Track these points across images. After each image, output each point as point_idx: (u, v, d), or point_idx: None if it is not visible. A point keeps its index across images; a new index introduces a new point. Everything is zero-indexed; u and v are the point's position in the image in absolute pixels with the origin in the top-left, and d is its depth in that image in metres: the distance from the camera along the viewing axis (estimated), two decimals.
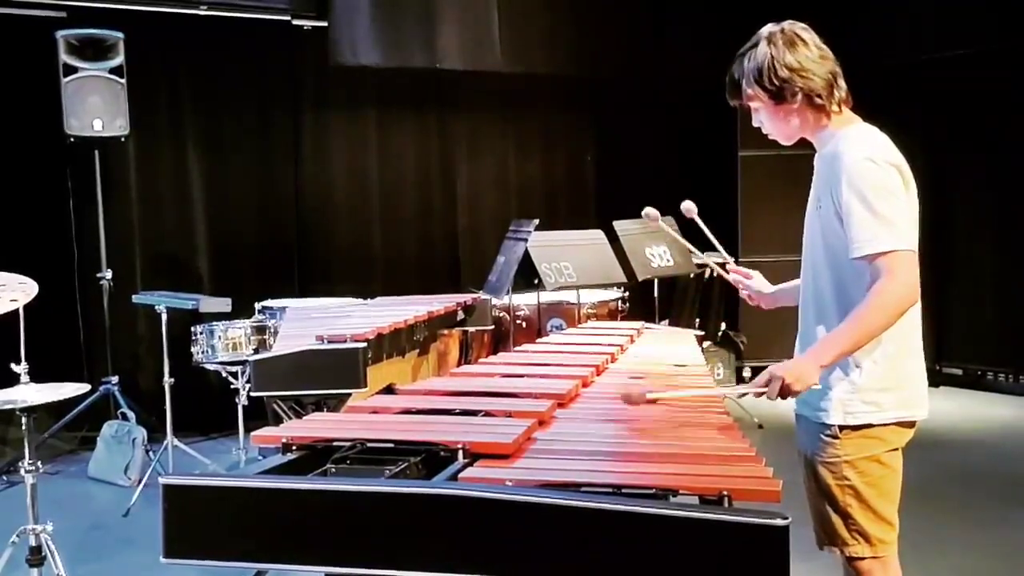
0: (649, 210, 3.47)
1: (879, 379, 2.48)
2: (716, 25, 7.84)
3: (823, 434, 2.52)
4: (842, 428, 2.49)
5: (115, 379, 6.04)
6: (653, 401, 2.40)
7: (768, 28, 2.56)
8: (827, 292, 2.54)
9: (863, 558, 2.51)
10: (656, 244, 6.46)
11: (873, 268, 2.38)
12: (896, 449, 2.53)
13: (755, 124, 2.66)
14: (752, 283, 3.06)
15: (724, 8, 7.64)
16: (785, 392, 2.37)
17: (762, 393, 2.40)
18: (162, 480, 1.85)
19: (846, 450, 2.49)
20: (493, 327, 5.64)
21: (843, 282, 2.50)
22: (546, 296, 6.04)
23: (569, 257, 5.82)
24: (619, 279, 6.11)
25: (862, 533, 2.49)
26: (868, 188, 2.39)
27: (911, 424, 2.54)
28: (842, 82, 2.54)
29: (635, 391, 2.33)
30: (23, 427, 3.70)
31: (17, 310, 3.88)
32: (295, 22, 6.93)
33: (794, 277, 2.81)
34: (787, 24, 2.55)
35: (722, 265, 3.15)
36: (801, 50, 2.50)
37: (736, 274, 3.10)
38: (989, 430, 6.55)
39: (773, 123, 2.60)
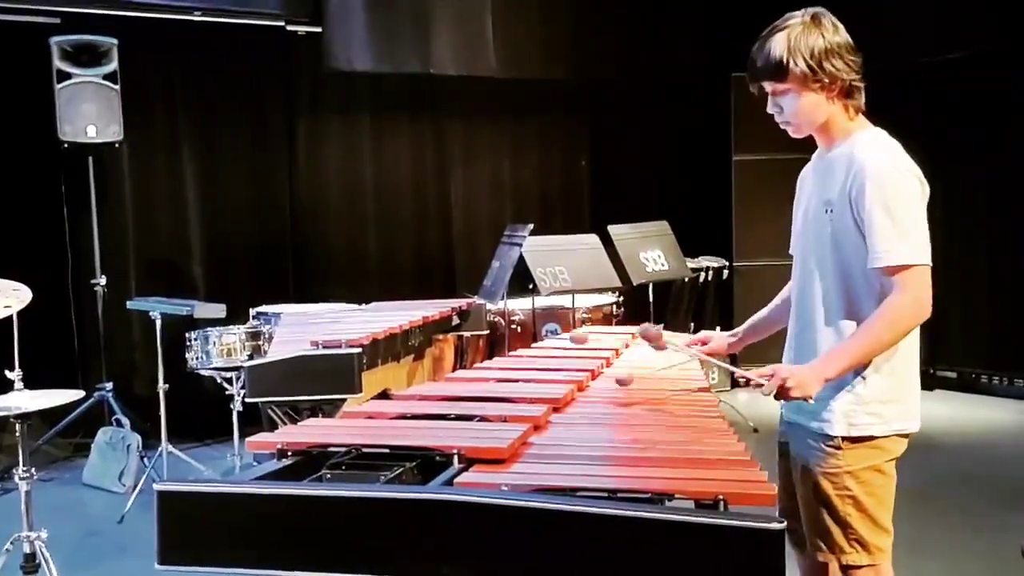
0: (576, 333, 3.44)
1: (884, 392, 2.47)
2: (712, 29, 7.88)
3: (825, 444, 2.50)
4: (845, 439, 2.48)
5: (109, 385, 6.04)
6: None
7: (810, 11, 2.48)
8: (834, 297, 2.51)
9: (860, 566, 2.50)
10: (651, 249, 6.47)
11: (887, 280, 2.38)
12: (894, 459, 2.53)
13: (770, 110, 2.55)
14: (713, 344, 2.94)
15: (720, 12, 7.67)
16: (781, 393, 2.38)
17: (760, 384, 2.41)
18: (157, 487, 1.85)
19: (848, 461, 2.48)
20: (488, 332, 5.65)
21: (852, 287, 2.47)
22: (541, 301, 6.04)
23: (564, 262, 5.83)
24: (614, 284, 6.12)
25: (861, 542, 2.48)
26: (894, 198, 2.37)
27: (907, 435, 2.54)
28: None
29: (653, 330, 2.31)
30: (17, 434, 3.70)
31: (11, 316, 3.88)
32: (289, 28, 6.92)
33: (787, 280, 2.80)
34: (824, 11, 2.50)
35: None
36: (844, 35, 2.47)
37: (699, 351, 2.95)
38: (983, 433, 6.56)
39: (802, 109, 2.49)
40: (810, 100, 2.47)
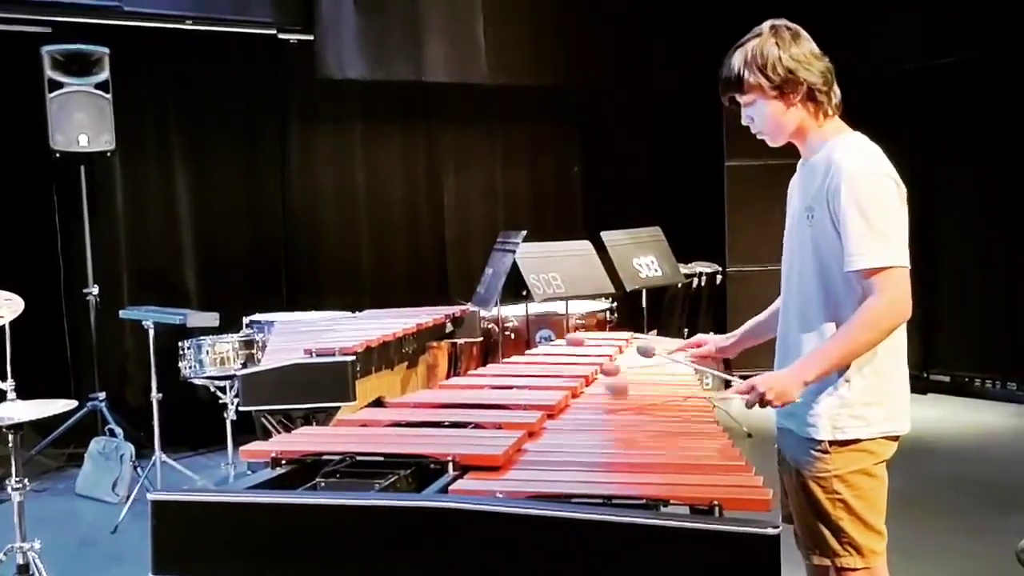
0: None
1: (867, 394, 2.48)
2: (702, 35, 7.88)
3: (812, 449, 2.51)
4: (831, 443, 2.49)
5: (102, 395, 6.01)
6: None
7: (769, 22, 2.55)
8: (815, 302, 2.53)
9: (855, 569, 2.50)
10: (644, 254, 6.48)
11: (866, 283, 2.39)
12: (883, 461, 2.54)
13: (744, 122, 2.62)
14: (707, 347, 2.97)
15: (709, 18, 7.68)
16: (763, 404, 2.39)
17: (744, 400, 2.42)
18: (150, 496, 1.84)
19: (836, 464, 2.49)
20: (482, 339, 5.65)
21: (833, 292, 2.49)
22: (534, 307, 6.04)
23: (557, 268, 5.82)
24: (607, 290, 6.12)
25: (854, 545, 2.49)
26: (868, 200, 2.39)
27: (896, 437, 2.55)
28: (836, 87, 2.55)
29: (619, 382, 2.34)
30: (10, 444, 3.68)
31: (3, 326, 3.88)
32: (281, 36, 6.92)
33: (780, 285, 2.80)
34: (785, 21, 2.56)
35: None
36: (804, 44, 2.52)
37: (692, 355, 2.97)
38: (976, 436, 6.57)
39: (768, 119, 2.56)
40: (773, 108, 2.54)
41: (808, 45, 2.52)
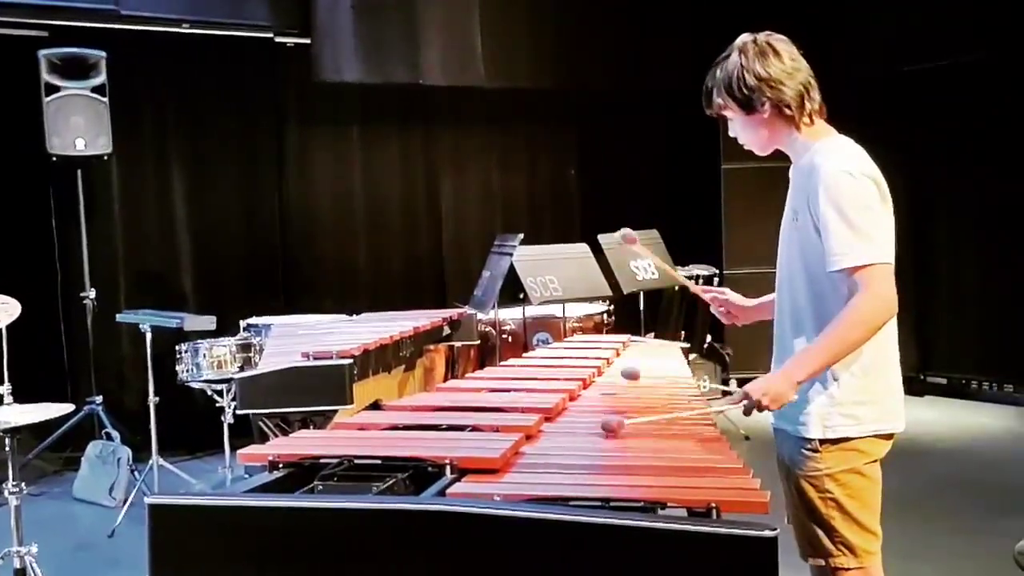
0: (626, 231, 3.42)
1: (857, 392, 2.49)
2: (699, 38, 7.89)
3: (804, 448, 2.52)
4: (822, 442, 2.49)
5: (99, 399, 6.01)
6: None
7: (742, 38, 2.56)
8: (804, 304, 2.54)
9: (849, 569, 2.51)
10: (641, 257, 6.48)
11: (851, 281, 2.40)
12: (876, 461, 2.54)
13: (731, 134, 2.66)
14: (728, 298, 3.02)
15: (707, 21, 7.69)
16: (760, 408, 2.39)
17: (740, 408, 2.43)
18: (148, 500, 1.84)
19: (827, 463, 2.49)
20: (479, 342, 5.64)
21: (821, 294, 2.50)
22: (532, 310, 6.04)
23: (554, 271, 5.82)
24: (604, 292, 6.12)
25: (847, 544, 2.50)
26: (846, 201, 2.40)
27: (889, 436, 2.55)
28: (815, 94, 2.54)
29: (613, 420, 2.36)
30: (7, 448, 3.68)
31: (0, 330, 3.87)
32: (278, 39, 6.92)
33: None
34: (763, 35, 2.55)
35: (698, 280, 3.10)
36: (772, 60, 2.50)
37: (711, 293, 3.05)
38: (973, 439, 6.57)
39: (745, 133, 2.61)
40: (743, 123, 2.58)
41: (776, 62, 2.49)
